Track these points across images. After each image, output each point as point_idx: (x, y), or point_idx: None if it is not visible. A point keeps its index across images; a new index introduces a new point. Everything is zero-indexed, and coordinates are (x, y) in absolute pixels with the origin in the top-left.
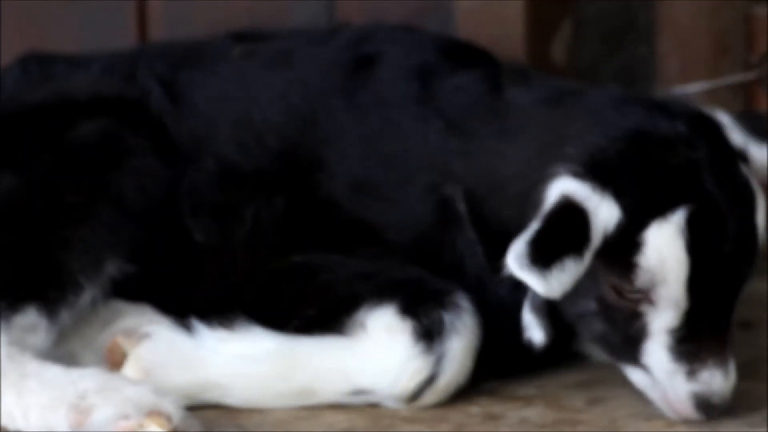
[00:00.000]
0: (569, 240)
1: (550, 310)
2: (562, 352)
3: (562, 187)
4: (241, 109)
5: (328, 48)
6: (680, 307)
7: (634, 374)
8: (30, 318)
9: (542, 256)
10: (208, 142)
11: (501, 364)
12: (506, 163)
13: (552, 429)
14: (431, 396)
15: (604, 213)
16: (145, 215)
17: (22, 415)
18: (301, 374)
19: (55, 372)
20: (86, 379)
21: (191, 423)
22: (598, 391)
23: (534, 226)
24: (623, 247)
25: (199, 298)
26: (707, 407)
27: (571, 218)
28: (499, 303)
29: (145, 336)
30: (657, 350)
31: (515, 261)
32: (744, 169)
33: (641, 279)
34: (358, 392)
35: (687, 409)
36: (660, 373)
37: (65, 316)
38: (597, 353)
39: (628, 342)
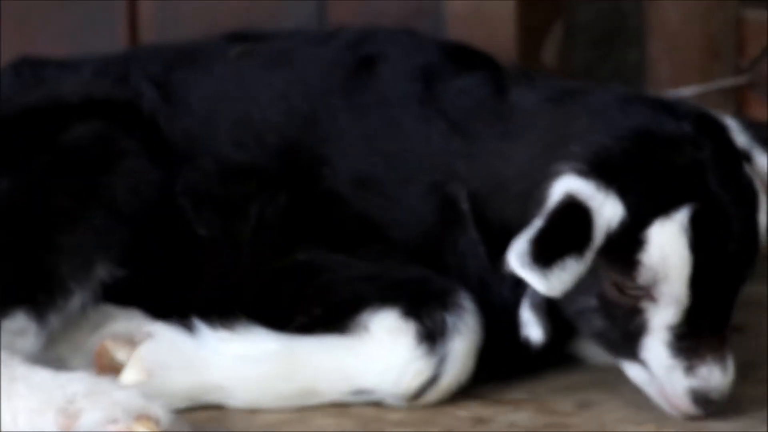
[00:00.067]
0: (571, 239)
1: (549, 309)
2: (559, 353)
3: (566, 185)
4: (240, 109)
5: (328, 48)
6: (681, 304)
7: (631, 370)
8: (19, 322)
9: (544, 255)
10: (205, 142)
11: (502, 364)
12: (510, 163)
13: None
14: (433, 395)
15: (608, 211)
16: (137, 218)
17: (11, 419)
18: (303, 375)
19: (43, 376)
20: (75, 383)
21: (180, 426)
22: (587, 395)
23: (537, 224)
24: (626, 244)
25: (200, 298)
26: (705, 402)
27: (574, 217)
28: (502, 303)
29: (147, 335)
30: (656, 346)
31: (517, 259)
32: (748, 170)
33: (643, 276)
34: (361, 392)
35: (685, 404)
36: (658, 369)
37: (54, 320)
38: (592, 356)
39: (628, 338)
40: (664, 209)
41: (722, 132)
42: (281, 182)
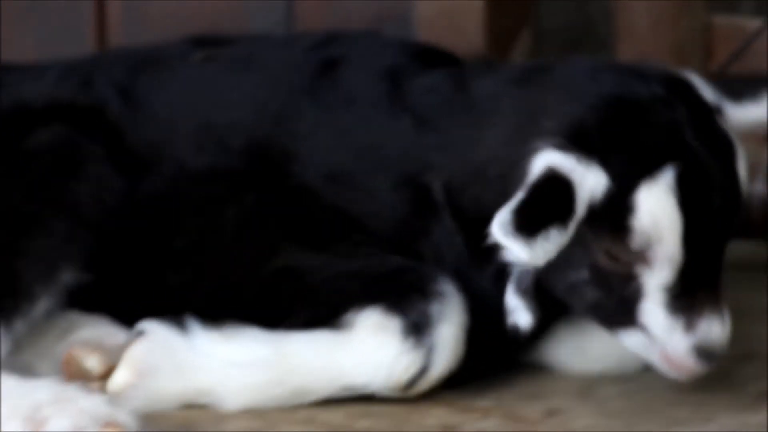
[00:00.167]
0: (554, 210)
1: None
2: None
3: (546, 160)
4: (205, 113)
5: (293, 51)
6: (675, 264)
7: (629, 338)
8: None
9: (527, 225)
10: (169, 147)
11: (483, 358)
12: (483, 149)
13: None
14: (425, 384)
15: (591, 182)
16: (101, 223)
17: None
18: (295, 377)
19: (9, 383)
20: (41, 391)
21: None
22: (554, 402)
23: (519, 197)
24: (615, 212)
25: (172, 305)
26: (707, 356)
27: (556, 189)
28: (480, 294)
29: (140, 333)
30: (653, 308)
31: (500, 229)
32: (721, 123)
33: (636, 241)
34: (353, 388)
35: (688, 361)
36: (658, 331)
37: (20, 325)
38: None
39: (624, 305)
40: (648, 172)
41: (691, 90)
42: (250, 183)
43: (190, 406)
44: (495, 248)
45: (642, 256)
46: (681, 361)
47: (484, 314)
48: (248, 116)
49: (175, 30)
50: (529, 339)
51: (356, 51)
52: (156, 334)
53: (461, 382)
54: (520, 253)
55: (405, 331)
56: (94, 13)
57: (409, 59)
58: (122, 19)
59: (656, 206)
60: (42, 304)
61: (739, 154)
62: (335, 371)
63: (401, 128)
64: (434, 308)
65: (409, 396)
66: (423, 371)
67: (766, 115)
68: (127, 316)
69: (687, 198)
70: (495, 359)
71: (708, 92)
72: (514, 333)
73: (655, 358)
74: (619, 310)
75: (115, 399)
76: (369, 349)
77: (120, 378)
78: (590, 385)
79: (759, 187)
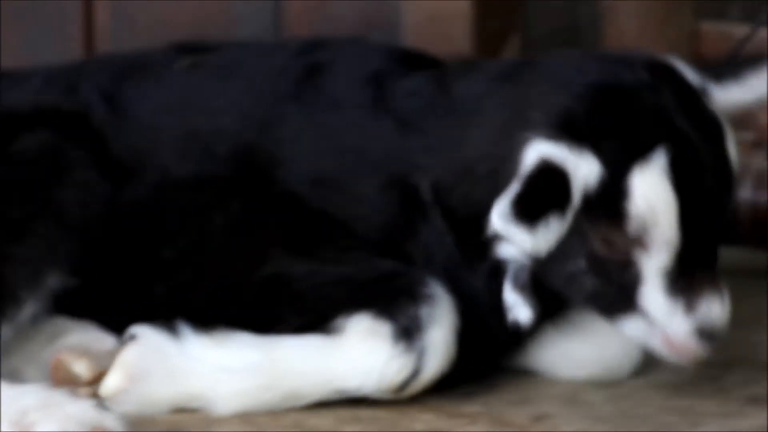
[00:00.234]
0: (552, 198)
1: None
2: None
3: (538, 150)
4: (189, 120)
5: (277, 57)
6: (672, 246)
7: (629, 326)
8: None
9: (527, 212)
10: (153, 154)
11: (473, 359)
12: (470, 145)
13: None
14: (417, 386)
15: (584, 170)
16: (86, 228)
17: None
18: (287, 382)
19: None
20: (27, 396)
21: None
22: (542, 407)
23: (514, 189)
24: (609, 198)
25: (159, 312)
26: (709, 337)
27: (551, 179)
28: (472, 295)
29: (132, 337)
30: (653, 293)
31: (501, 218)
32: (708, 104)
33: (632, 226)
34: (345, 392)
35: (690, 343)
36: (658, 315)
37: (6, 330)
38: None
39: (622, 292)
40: (640, 156)
41: (676, 74)
42: (236, 190)
43: (179, 411)
44: (489, 245)
45: (639, 241)
46: (683, 344)
47: (475, 315)
48: (233, 123)
49: (162, 36)
50: (518, 341)
51: (340, 56)
52: (147, 338)
53: (453, 383)
54: (524, 240)
55: (395, 336)
56: (82, 19)
57: (393, 63)
58: (110, 25)
59: (650, 189)
60: (28, 309)
61: (728, 134)
62: (326, 376)
63: (386, 131)
64: (424, 311)
65: (402, 398)
66: (415, 374)
67: (748, 95)
68: (115, 323)
69: (680, 180)
70: (485, 360)
71: (692, 75)
72: (515, 329)
73: (656, 343)
74: (618, 297)
75: (103, 403)
76: (360, 355)
77: (112, 382)
78: (577, 391)
79: (746, 194)
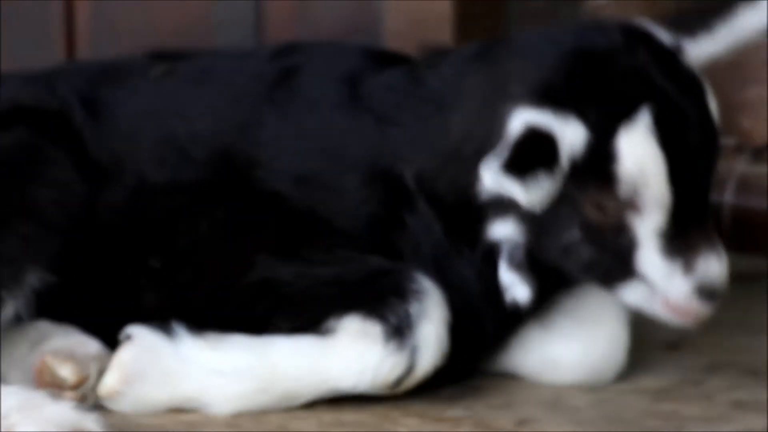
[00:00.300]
0: (540, 157)
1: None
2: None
3: (523, 119)
4: (166, 126)
5: (251, 62)
6: (665, 205)
7: (629, 293)
8: None
9: (517, 167)
10: (130, 160)
11: (465, 351)
12: (453, 129)
13: None
14: (411, 381)
15: (570, 135)
16: (64, 226)
17: None
18: (282, 384)
19: None
20: (8, 398)
21: None
22: (525, 411)
23: (502, 152)
24: (597, 162)
25: (144, 315)
26: (709, 295)
27: (538, 143)
28: (461, 282)
29: (127, 338)
30: (650, 255)
31: (492, 172)
32: (685, 62)
33: (623, 188)
34: (338, 390)
35: (692, 304)
36: (657, 277)
37: None
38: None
39: (619, 258)
40: (624, 116)
41: (650, 35)
42: (218, 195)
43: (163, 413)
44: (478, 230)
45: (631, 204)
46: (685, 305)
47: (465, 304)
48: (210, 127)
49: (143, 40)
50: (508, 331)
51: (314, 58)
52: (143, 339)
53: (446, 375)
54: (517, 191)
55: (387, 336)
56: (63, 24)
57: (367, 62)
58: (91, 30)
59: (638, 150)
60: (9, 308)
61: (706, 90)
62: (320, 377)
63: (364, 127)
64: (414, 308)
65: (397, 393)
66: (409, 370)
67: (721, 46)
68: (98, 325)
69: (666, 137)
70: (476, 352)
71: (666, 36)
72: (514, 308)
73: (658, 308)
74: (615, 264)
75: (86, 406)
76: (353, 356)
77: (108, 383)
78: (561, 395)
79: (729, 198)
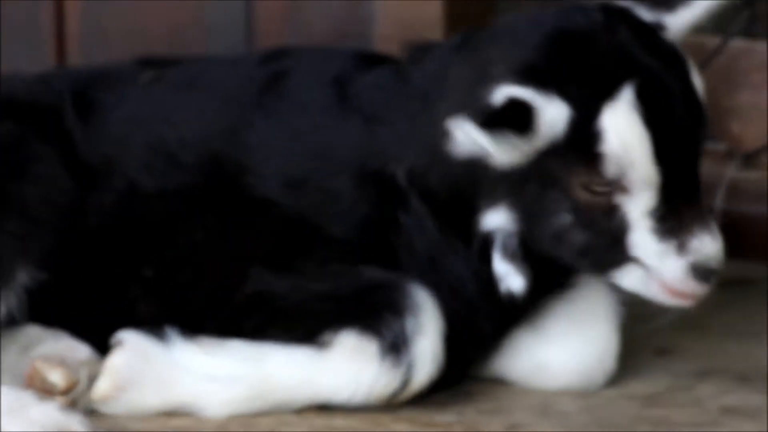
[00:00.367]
0: (513, 120)
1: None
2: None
3: (504, 92)
4: (155, 130)
5: (241, 67)
6: (653, 184)
7: (625, 277)
8: None
9: (486, 121)
10: (119, 164)
11: (463, 353)
12: (440, 119)
13: None
14: (407, 394)
15: (551, 112)
16: (53, 223)
17: None
18: (276, 394)
19: None
20: None
21: None
22: (515, 417)
23: (476, 113)
24: (583, 142)
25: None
26: (705, 274)
27: (514, 108)
28: (455, 279)
29: (119, 343)
30: (642, 237)
31: (461, 122)
32: (666, 38)
33: (610, 168)
34: (331, 402)
35: (688, 284)
36: (651, 259)
37: None
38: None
39: (612, 242)
40: (607, 94)
41: (629, 13)
42: (208, 201)
43: (151, 418)
44: (472, 223)
45: (619, 184)
46: (681, 286)
47: (462, 302)
48: (200, 132)
49: (134, 45)
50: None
51: (303, 61)
52: (135, 344)
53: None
54: (484, 141)
55: (383, 353)
56: (53, 29)
57: (354, 64)
58: (81, 35)
59: (622, 126)
60: (1, 306)
61: (689, 65)
62: (314, 388)
63: (354, 127)
64: (409, 324)
65: (392, 404)
66: (404, 385)
67: (698, 12)
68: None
69: (651, 114)
70: (474, 351)
71: (646, 13)
72: (509, 300)
73: (655, 291)
74: (608, 248)
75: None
76: (348, 372)
77: (101, 389)
78: (551, 401)
79: (718, 204)
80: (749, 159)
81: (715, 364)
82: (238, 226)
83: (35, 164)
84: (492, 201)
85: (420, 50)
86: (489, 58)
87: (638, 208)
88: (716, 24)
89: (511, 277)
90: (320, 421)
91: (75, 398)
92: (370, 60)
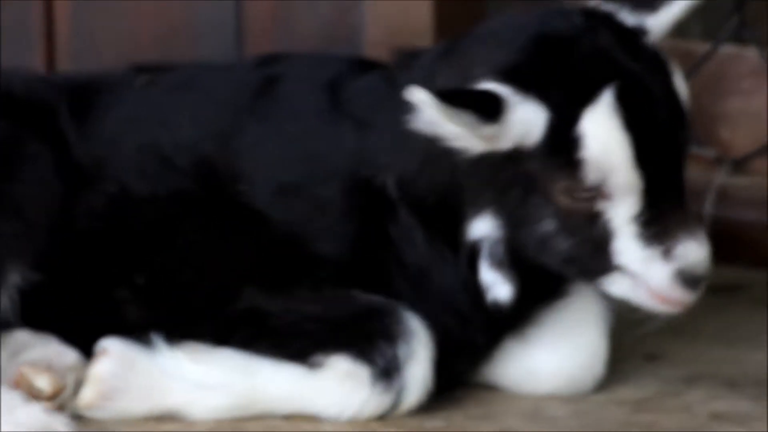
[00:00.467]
0: (478, 102)
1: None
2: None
3: (485, 86)
4: (150, 133)
5: (233, 72)
6: (636, 189)
7: (613, 285)
8: None
9: (446, 97)
10: (111, 166)
11: (452, 364)
12: None
13: None
14: (396, 415)
15: (527, 113)
16: (44, 223)
17: None
18: (263, 405)
19: None
20: None
21: None
22: (505, 422)
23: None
24: (562, 147)
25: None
26: (692, 281)
27: (483, 97)
28: (446, 292)
29: (103, 351)
30: (626, 243)
31: (416, 92)
32: (648, 42)
33: (590, 174)
34: (318, 417)
35: (674, 291)
36: (636, 266)
37: None
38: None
39: (597, 248)
40: (587, 99)
41: (611, 17)
42: (198, 209)
43: (140, 421)
44: (460, 232)
45: (601, 190)
46: (667, 293)
47: (454, 316)
48: (193, 136)
49: (123, 51)
50: (498, 337)
51: (295, 67)
52: (119, 352)
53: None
54: (438, 114)
55: (374, 379)
56: (42, 35)
57: (347, 69)
58: (71, 41)
59: (602, 131)
60: None
61: (672, 69)
62: (302, 404)
63: (345, 132)
64: (402, 350)
65: None
66: (393, 408)
67: (677, 9)
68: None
69: (632, 118)
70: (468, 364)
71: (629, 17)
72: (496, 309)
73: (643, 298)
74: (593, 255)
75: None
76: (338, 394)
77: (86, 398)
78: (541, 406)
79: (707, 210)
80: (739, 165)
81: (704, 370)
82: (230, 237)
83: (29, 164)
84: (478, 208)
85: (409, 56)
86: (473, 61)
87: (621, 214)
88: (705, 30)
89: (497, 287)
90: (309, 425)
91: (62, 403)
92: (364, 66)
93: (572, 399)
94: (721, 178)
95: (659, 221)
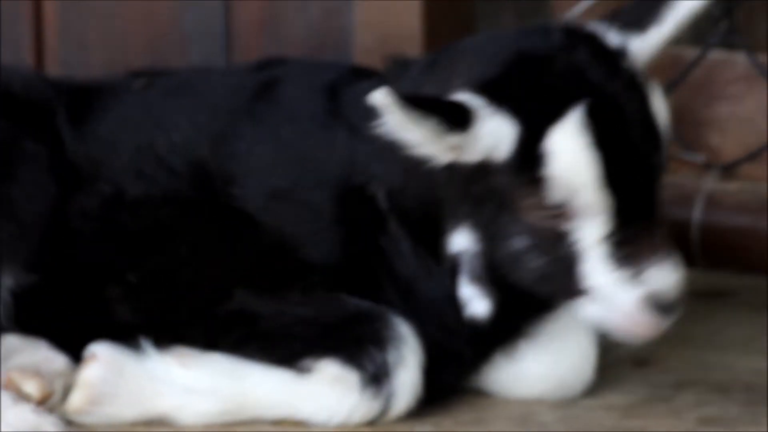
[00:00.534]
0: (443, 109)
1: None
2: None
3: (459, 97)
4: (146, 134)
5: (231, 75)
6: (604, 210)
7: (586, 309)
8: None
9: (410, 100)
10: (109, 167)
11: (437, 374)
12: None
13: None
14: (385, 421)
15: (497, 126)
16: (38, 224)
17: None
18: (252, 410)
19: None
20: None
21: None
22: (494, 427)
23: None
24: (529, 163)
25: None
26: (663, 308)
27: (450, 105)
28: (434, 303)
29: (92, 357)
30: (595, 265)
31: (379, 93)
32: (627, 63)
33: (556, 192)
34: (306, 423)
35: (644, 317)
36: (605, 289)
37: None
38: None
39: (566, 270)
40: (555, 116)
41: (592, 37)
42: (192, 212)
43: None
44: (441, 245)
45: (567, 209)
46: (635, 318)
47: (442, 330)
48: (189, 138)
49: (112, 56)
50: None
51: (292, 71)
52: (109, 357)
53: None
54: (399, 117)
55: (364, 384)
56: (31, 41)
57: (344, 75)
58: (59, 44)
59: (568, 148)
60: None
61: (650, 89)
62: (291, 409)
63: (338, 139)
64: (391, 356)
65: None
66: (382, 414)
67: (667, 30)
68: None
69: (602, 135)
70: (456, 377)
71: (613, 37)
72: (472, 325)
73: (614, 325)
74: (566, 276)
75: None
76: (327, 399)
77: (75, 403)
78: (530, 411)
79: (697, 215)
80: (728, 170)
81: (693, 375)
82: (223, 239)
83: (24, 165)
84: (456, 221)
85: (400, 66)
86: (453, 73)
87: (590, 235)
88: (695, 35)
89: (475, 302)
90: (298, 430)
91: (50, 408)
92: (360, 73)
93: (561, 404)
94: (710, 183)
95: (630, 244)
